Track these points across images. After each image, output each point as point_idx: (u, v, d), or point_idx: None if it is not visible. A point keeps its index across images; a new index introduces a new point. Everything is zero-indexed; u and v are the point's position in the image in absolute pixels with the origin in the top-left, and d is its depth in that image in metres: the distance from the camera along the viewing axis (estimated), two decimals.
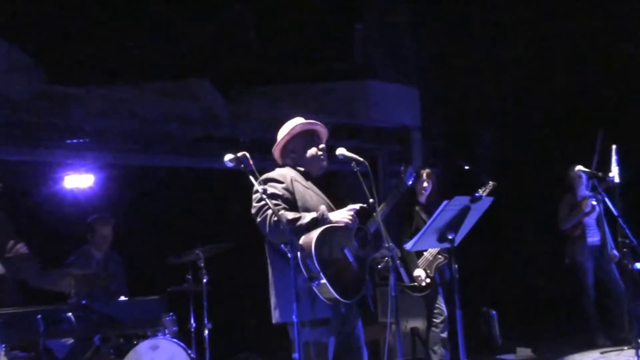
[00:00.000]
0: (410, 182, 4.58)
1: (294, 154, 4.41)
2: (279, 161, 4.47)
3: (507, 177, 8.78)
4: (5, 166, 7.48)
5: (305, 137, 4.41)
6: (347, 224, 4.07)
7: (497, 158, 10.51)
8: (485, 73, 10.26)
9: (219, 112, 8.38)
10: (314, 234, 3.97)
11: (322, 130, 4.47)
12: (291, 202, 4.16)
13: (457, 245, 4.72)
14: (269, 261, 4.26)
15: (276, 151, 4.46)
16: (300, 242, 3.94)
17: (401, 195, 4.54)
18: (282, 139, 4.41)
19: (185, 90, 8.35)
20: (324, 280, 3.89)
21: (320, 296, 3.94)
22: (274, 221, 3.96)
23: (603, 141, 7.17)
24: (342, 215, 4.10)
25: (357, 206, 4.17)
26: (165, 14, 8.48)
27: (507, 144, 10.67)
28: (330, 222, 4.06)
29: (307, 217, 4.04)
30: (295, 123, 4.42)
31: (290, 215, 4.01)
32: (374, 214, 4.20)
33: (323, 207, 4.10)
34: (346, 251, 4.11)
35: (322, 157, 4.39)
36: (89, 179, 8.05)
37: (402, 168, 4.54)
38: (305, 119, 4.48)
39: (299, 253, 3.85)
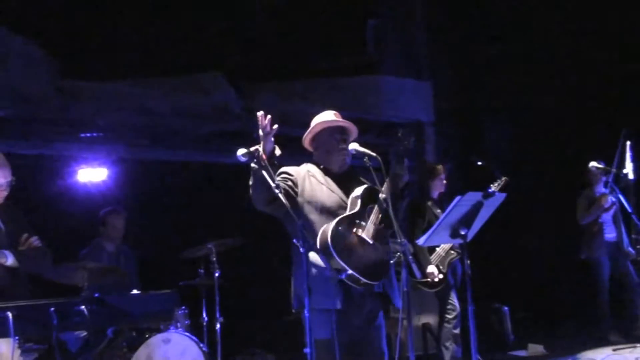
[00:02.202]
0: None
1: (317, 151, 4.49)
2: (312, 151, 4.54)
3: (521, 172, 8.76)
4: (19, 160, 7.50)
5: (328, 134, 4.44)
6: (263, 137, 4.01)
7: (511, 154, 10.47)
8: (498, 68, 10.21)
9: (231, 107, 8.39)
10: (328, 231, 4.03)
11: (349, 127, 4.48)
12: (290, 195, 4.21)
13: (469, 241, 4.71)
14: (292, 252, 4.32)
15: (306, 143, 4.53)
16: (317, 241, 4.04)
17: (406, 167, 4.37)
18: (307, 134, 4.48)
19: (198, 85, 8.37)
20: (350, 271, 3.99)
21: (352, 285, 4.04)
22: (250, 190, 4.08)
23: (626, 139, 7.13)
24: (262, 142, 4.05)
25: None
26: (178, 9, 8.49)
27: (520, 140, 10.63)
28: (260, 149, 4.01)
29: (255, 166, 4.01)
30: (321, 119, 4.47)
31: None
32: (388, 208, 4.18)
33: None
34: (362, 235, 4.14)
35: (342, 153, 4.40)
36: (102, 173, 8.10)
37: (401, 133, 4.37)
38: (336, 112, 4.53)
39: (320, 253, 3.96)
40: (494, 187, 6.34)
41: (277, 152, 4.16)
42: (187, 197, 8.69)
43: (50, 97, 7.39)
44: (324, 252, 3.99)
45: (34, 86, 7.28)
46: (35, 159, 7.77)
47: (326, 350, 4.06)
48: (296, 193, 4.27)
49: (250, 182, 4.08)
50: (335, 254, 3.97)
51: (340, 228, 4.09)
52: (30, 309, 4.79)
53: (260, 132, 4.05)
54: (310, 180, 4.33)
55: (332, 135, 4.43)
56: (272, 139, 4.08)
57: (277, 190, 3.93)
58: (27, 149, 7.66)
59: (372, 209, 4.23)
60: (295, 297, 4.25)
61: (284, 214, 4.07)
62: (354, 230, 4.15)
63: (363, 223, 4.18)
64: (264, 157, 3.99)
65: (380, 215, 4.21)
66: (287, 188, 4.22)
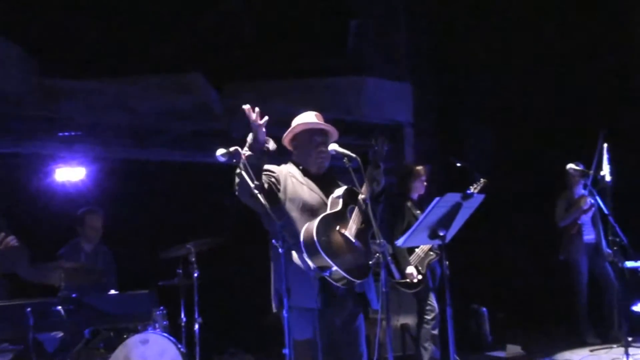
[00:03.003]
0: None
1: (296, 150, 4.50)
2: (291, 150, 4.54)
3: (500, 174, 8.79)
4: None
5: (308, 135, 4.44)
6: (255, 126, 4.04)
7: (490, 155, 10.50)
8: (479, 70, 10.25)
9: (212, 106, 8.36)
10: (313, 227, 4.03)
11: (329, 130, 4.47)
12: (273, 190, 4.23)
13: (448, 242, 4.72)
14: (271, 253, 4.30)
15: (285, 142, 4.53)
16: (301, 238, 4.02)
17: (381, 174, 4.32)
18: (287, 134, 4.48)
19: (179, 85, 8.33)
20: (335, 268, 3.98)
21: (334, 283, 4.03)
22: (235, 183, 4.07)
23: (604, 141, 7.16)
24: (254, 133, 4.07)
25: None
26: (160, 8, 8.45)
27: (500, 141, 10.68)
28: (253, 141, 4.05)
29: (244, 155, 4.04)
30: (301, 120, 4.47)
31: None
32: (367, 209, 4.19)
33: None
34: (346, 233, 4.15)
35: (321, 156, 4.40)
36: (80, 172, 8.04)
37: (374, 140, 4.34)
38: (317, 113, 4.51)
39: (303, 250, 3.96)
40: (473, 189, 6.36)
41: (272, 145, 4.15)
42: (166, 196, 8.64)
43: (29, 95, 7.32)
44: (308, 248, 3.99)
45: (12, 84, 7.21)
46: (13, 158, 7.70)
47: (306, 350, 4.07)
48: (279, 189, 4.28)
49: (237, 172, 4.05)
50: (320, 250, 3.96)
51: (324, 225, 4.08)
52: (6, 309, 4.76)
53: (252, 126, 4.03)
54: (292, 180, 4.33)
55: (312, 137, 4.43)
56: (264, 129, 4.07)
57: (256, 191, 3.93)
58: (4, 147, 7.59)
59: (354, 209, 4.24)
60: (276, 297, 4.24)
61: (264, 213, 4.07)
62: (337, 228, 4.16)
63: (346, 222, 4.19)
64: (243, 156, 3.99)
65: (361, 216, 4.23)
66: (270, 183, 4.22)
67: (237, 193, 4.14)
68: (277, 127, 4.49)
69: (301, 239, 4.03)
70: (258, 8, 9.33)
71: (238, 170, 4.05)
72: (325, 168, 4.46)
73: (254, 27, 9.34)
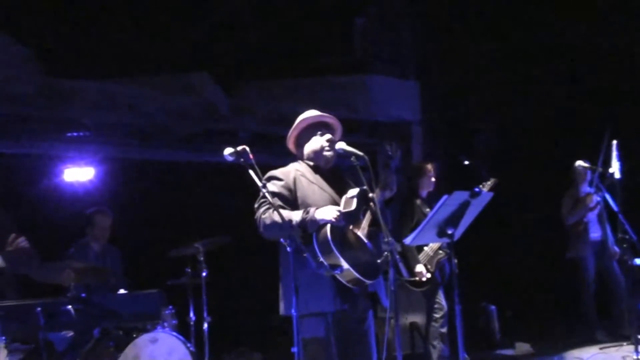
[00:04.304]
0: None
1: (302, 148, 4.47)
2: (295, 152, 4.52)
3: (508, 171, 8.78)
4: (5, 159, 7.49)
5: (313, 130, 4.43)
6: (331, 222, 4.04)
7: (498, 153, 10.49)
8: (485, 67, 10.23)
9: (219, 106, 8.38)
10: (327, 226, 4.02)
11: (333, 123, 4.48)
12: (290, 200, 4.21)
13: (456, 240, 4.72)
14: (280, 253, 4.29)
15: (290, 144, 4.51)
16: (315, 235, 4.01)
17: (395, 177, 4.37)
18: (291, 132, 4.46)
19: (185, 85, 8.34)
20: (346, 267, 3.95)
21: (343, 282, 4.01)
22: (264, 220, 4.07)
23: (610, 138, 7.14)
24: (329, 215, 4.06)
25: (353, 201, 4.18)
26: (165, 8, 8.46)
27: (507, 139, 10.66)
28: (316, 220, 4.05)
29: (294, 219, 4.06)
30: (305, 116, 4.46)
31: (278, 217, 4.01)
32: (377, 210, 4.18)
33: (311, 210, 4.09)
34: (359, 233, 4.16)
35: (326, 148, 4.38)
36: (88, 173, 8.07)
37: (388, 147, 4.36)
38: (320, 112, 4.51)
39: (316, 247, 3.95)
40: (481, 187, 6.34)
41: None
42: (174, 196, 8.67)
43: (37, 96, 7.35)
44: (321, 246, 3.97)
45: (20, 85, 7.24)
46: (22, 159, 7.73)
47: (316, 349, 4.06)
48: (295, 196, 4.25)
49: (267, 222, 4.07)
50: (334, 248, 3.95)
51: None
52: (17, 309, 4.78)
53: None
54: (300, 180, 4.30)
55: (318, 130, 4.42)
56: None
57: (266, 193, 3.94)
58: (13, 148, 7.62)
59: (366, 210, 4.24)
60: (285, 302, 4.21)
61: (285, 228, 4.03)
62: (351, 227, 4.15)
63: (359, 222, 4.19)
64: (251, 156, 3.99)
65: (372, 217, 4.23)
66: (286, 194, 4.21)
67: (264, 233, 4.14)
68: (283, 127, 4.49)
69: (314, 236, 4.02)
70: (264, 7, 9.33)
71: (267, 222, 4.06)
72: (333, 162, 4.44)
73: (260, 26, 9.34)
